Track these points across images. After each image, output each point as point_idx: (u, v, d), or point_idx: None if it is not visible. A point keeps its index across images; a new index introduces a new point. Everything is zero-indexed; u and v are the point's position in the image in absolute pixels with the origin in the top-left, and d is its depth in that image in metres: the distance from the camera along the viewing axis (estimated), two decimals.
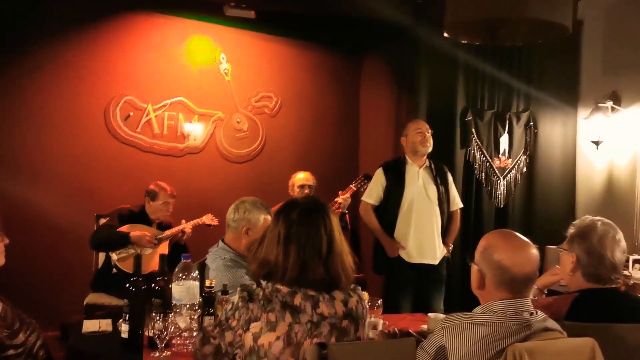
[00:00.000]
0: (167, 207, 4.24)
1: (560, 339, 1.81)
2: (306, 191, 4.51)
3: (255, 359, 1.79)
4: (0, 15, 4.63)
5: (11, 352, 1.89)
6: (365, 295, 2.63)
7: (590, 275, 2.18)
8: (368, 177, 4.34)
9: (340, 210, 4.35)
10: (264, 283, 1.86)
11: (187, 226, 4.29)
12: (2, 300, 1.95)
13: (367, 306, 1.99)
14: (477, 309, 1.86)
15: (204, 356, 1.90)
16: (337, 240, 1.91)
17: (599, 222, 2.21)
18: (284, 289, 1.83)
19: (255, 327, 1.79)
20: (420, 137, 4.07)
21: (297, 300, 1.81)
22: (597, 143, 4.81)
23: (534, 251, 1.86)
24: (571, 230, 2.24)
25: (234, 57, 5.40)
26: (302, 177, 4.60)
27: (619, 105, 4.70)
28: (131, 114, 5.07)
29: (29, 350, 1.93)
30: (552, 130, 5.16)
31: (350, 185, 4.38)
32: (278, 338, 1.77)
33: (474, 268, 1.90)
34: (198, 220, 4.37)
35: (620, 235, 2.19)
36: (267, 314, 1.78)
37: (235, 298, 1.86)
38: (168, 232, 4.24)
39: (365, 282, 4.89)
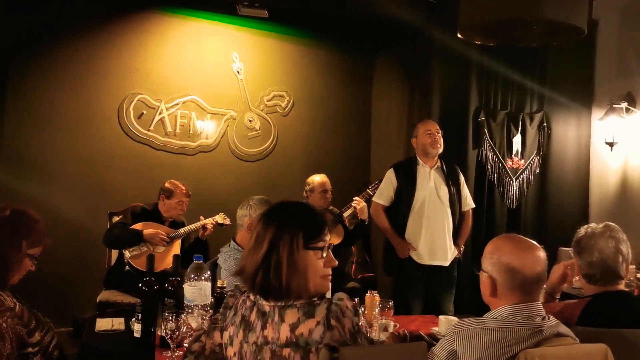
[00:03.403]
0: (181, 206, 4.26)
1: (573, 345, 1.80)
2: (328, 196, 4.47)
3: None
4: (16, 14, 4.67)
5: (29, 349, 1.92)
6: (377, 297, 2.61)
7: (588, 277, 2.20)
8: None
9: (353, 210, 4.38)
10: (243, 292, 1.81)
11: (207, 222, 4.28)
12: (18, 300, 1.99)
13: (348, 324, 1.66)
14: (489, 314, 1.85)
15: (190, 352, 1.89)
16: (281, 252, 1.67)
17: (595, 225, 2.24)
18: (249, 299, 1.77)
19: (225, 335, 1.79)
20: (430, 138, 4.04)
21: (253, 316, 1.73)
22: (611, 144, 4.77)
23: (541, 252, 1.87)
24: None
25: (246, 56, 5.40)
26: (322, 181, 4.48)
27: (634, 107, 4.66)
28: (144, 112, 5.09)
29: (45, 350, 1.97)
30: (565, 131, 5.13)
31: (367, 190, 4.38)
32: (235, 354, 1.74)
33: (484, 276, 1.89)
34: (211, 219, 4.36)
35: (617, 234, 2.19)
36: (231, 327, 1.76)
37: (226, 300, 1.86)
38: (181, 230, 4.26)
39: (375, 283, 4.90)
